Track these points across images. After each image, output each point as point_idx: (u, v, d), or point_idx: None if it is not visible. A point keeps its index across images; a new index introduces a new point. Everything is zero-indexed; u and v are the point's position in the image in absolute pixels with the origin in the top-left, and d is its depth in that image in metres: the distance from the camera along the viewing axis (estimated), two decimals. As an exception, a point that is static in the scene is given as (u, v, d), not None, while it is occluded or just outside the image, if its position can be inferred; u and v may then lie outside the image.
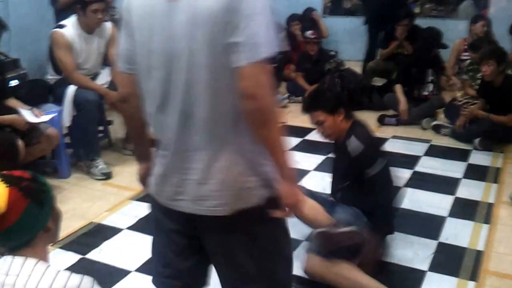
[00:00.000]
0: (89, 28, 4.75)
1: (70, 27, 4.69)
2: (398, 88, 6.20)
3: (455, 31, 7.71)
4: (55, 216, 1.78)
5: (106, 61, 5.04)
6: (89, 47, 4.81)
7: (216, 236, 1.97)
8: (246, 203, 1.87)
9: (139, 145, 2.22)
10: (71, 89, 4.65)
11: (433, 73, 6.30)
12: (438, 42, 6.54)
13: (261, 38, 1.70)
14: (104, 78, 4.98)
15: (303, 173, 4.70)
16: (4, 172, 1.69)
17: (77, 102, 4.62)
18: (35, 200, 1.66)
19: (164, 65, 1.81)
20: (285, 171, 1.87)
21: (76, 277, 1.62)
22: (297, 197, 1.94)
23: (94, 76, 4.94)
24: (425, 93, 6.25)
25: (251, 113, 1.74)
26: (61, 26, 4.69)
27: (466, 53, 6.91)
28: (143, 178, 2.19)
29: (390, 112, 6.34)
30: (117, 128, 5.57)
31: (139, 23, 1.85)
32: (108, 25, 4.96)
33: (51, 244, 1.86)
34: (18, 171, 1.71)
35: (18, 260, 1.64)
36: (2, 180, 1.63)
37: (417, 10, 8.79)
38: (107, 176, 4.73)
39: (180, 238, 2.05)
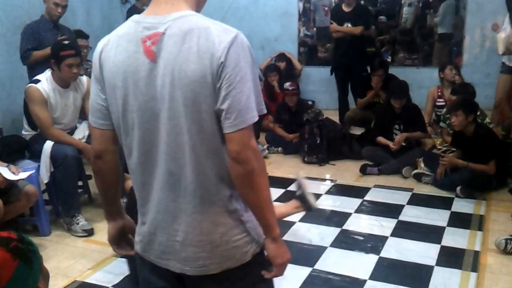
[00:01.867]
0: (64, 82, 4.68)
1: (44, 82, 4.61)
2: (381, 139, 6.24)
3: (430, 79, 7.81)
4: (44, 276, 1.74)
5: (83, 115, 4.97)
6: (65, 102, 4.73)
7: None
8: (235, 262, 1.85)
9: (111, 204, 2.09)
10: (48, 145, 4.55)
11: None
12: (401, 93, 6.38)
13: (247, 104, 1.68)
14: (81, 132, 4.90)
15: (289, 224, 4.62)
16: None
17: (55, 158, 4.52)
18: (24, 260, 1.61)
19: (144, 125, 1.77)
20: (272, 232, 1.85)
21: None
22: (287, 256, 1.91)
23: (71, 131, 4.87)
24: (403, 143, 6.22)
25: (240, 177, 1.73)
26: (36, 81, 4.60)
27: (441, 100, 6.97)
28: (116, 238, 2.12)
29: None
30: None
31: (112, 80, 1.79)
32: (84, 78, 4.90)
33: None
34: (4, 232, 1.67)
35: None
36: None
37: (389, 59, 8.94)
38: (89, 232, 4.58)
39: None
